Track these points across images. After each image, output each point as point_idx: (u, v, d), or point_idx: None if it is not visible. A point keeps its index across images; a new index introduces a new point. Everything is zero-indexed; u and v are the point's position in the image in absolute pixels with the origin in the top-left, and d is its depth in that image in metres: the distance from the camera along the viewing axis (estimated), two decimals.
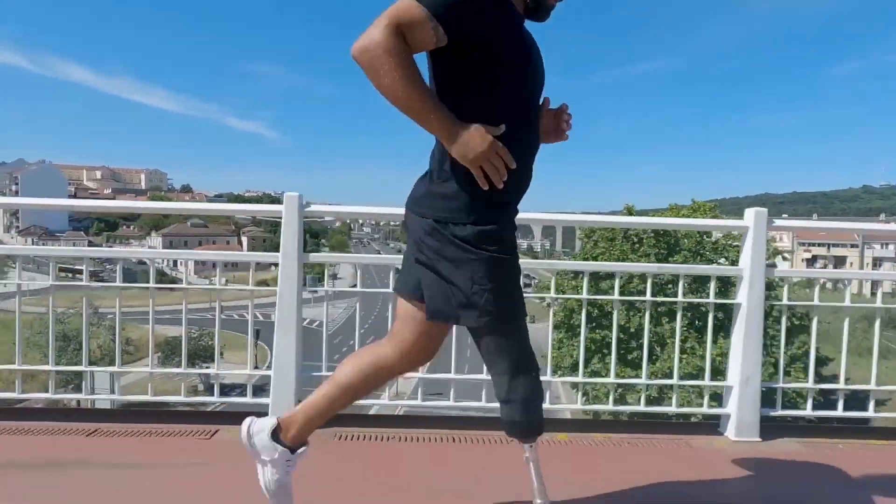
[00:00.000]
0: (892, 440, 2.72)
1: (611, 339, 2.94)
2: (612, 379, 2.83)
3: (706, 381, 2.80)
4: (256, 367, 2.76)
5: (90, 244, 58.08)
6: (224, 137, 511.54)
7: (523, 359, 1.52)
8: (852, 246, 55.66)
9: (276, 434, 1.62)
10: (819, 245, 56.85)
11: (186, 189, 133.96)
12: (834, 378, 3.50)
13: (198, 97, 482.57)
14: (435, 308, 1.50)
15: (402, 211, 2.86)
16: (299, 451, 1.64)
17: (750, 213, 2.68)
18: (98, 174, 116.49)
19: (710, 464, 2.40)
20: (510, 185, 1.44)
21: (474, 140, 1.36)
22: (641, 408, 2.76)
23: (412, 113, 1.35)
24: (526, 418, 1.53)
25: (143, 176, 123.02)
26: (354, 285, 2.76)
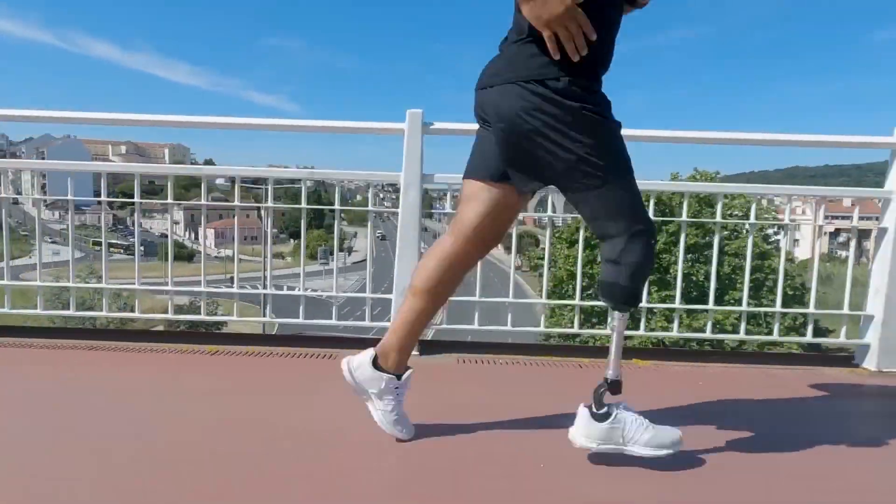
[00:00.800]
0: (598, 357, 2.57)
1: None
2: (299, 292, 2.86)
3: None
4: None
5: (115, 217, 59.35)
6: (246, 111, 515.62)
7: (639, 216, 1.38)
8: (877, 219, 53.97)
9: (376, 364, 1.53)
10: (843, 218, 55.52)
11: (209, 163, 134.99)
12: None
13: (219, 72, 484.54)
14: (535, 177, 1.42)
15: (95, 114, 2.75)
16: (405, 375, 1.55)
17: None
18: (123, 149, 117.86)
19: None
20: (597, 58, 1.34)
21: (552, 1, 1.23)
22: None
23: None
24: (632, 284, 1.40)
25: (166, 150, 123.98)
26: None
